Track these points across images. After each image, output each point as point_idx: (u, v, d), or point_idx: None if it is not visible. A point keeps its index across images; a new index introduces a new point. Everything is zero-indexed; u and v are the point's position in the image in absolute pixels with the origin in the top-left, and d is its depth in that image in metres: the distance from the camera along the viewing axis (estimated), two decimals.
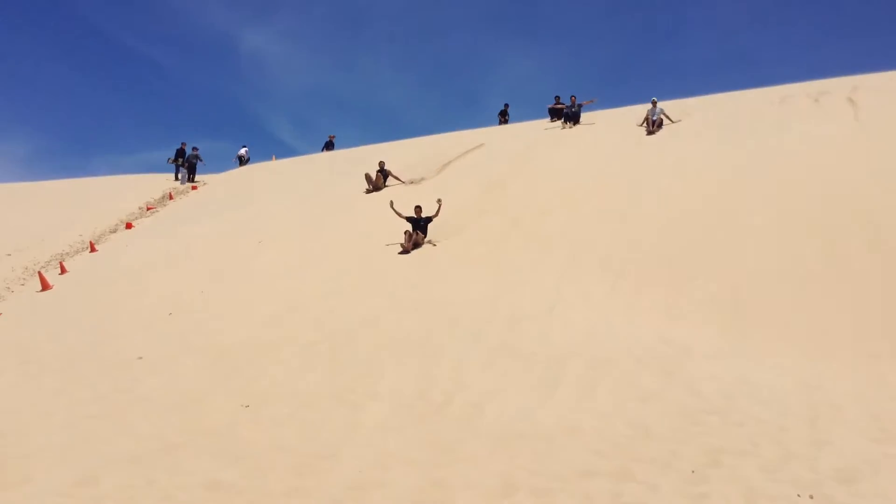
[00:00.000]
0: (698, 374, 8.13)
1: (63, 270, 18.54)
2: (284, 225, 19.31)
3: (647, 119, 20.71)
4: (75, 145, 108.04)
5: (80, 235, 23.17)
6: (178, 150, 30.85)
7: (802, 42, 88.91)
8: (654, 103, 20.88)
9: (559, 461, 6.27)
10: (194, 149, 30.64)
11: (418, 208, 15.84)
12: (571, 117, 23.83)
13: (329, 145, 32.38)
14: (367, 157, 27.38)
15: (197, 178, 30.67)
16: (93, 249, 20.82)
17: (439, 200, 16.02)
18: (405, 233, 15.37)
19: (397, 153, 26.63)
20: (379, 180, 21.34)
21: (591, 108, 25.23)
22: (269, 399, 8.62)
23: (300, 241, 17.25)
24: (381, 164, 21.69)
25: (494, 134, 26.12)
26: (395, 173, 21.59)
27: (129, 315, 13.53)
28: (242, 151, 33.85)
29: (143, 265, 17.52)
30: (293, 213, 20.47)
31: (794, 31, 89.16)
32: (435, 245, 15.32)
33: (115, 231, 23.47)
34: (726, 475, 5.73)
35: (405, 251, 15.12)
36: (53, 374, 10.64)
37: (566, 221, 15.12)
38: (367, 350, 10.11)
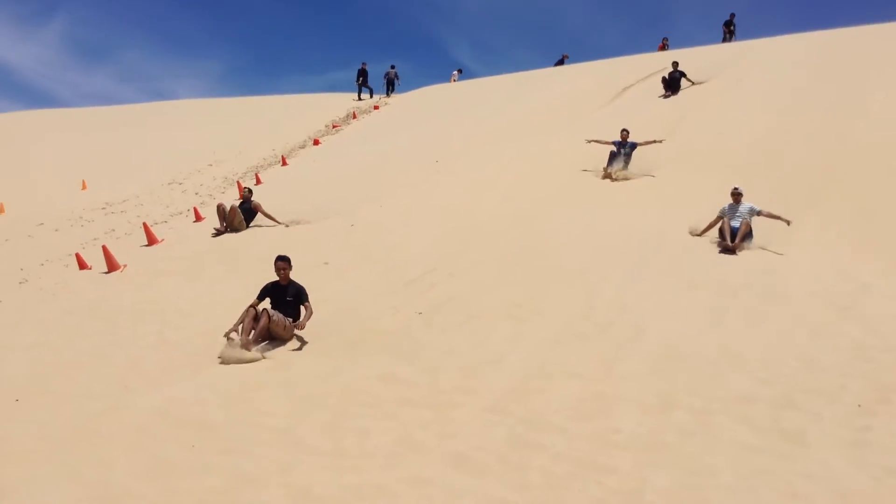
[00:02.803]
0: (876, 312, 7.83)
1: (258, 181, 19.96)
2: (461, 145, 19.74)
3: (721, 227, 11.05)
4: (265, 65, 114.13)
5: (273, 150, 24.79)
6: (359, 71, 32.26)
7: None
8: (738, 197, 11.24)
9: (720, 385, 6.33)
10: (392, 66, 32.80)
11: (282, 265, 8.79)
12: (622, 159, 15.35)
13: (560, 63, 32.65)
14: (544, 78, 27.32)
15: (384, 97, 32.16)
16: (284, 163, 22.25)
17: (303, 322, 8.24)
18: (248, 310, 8.28)
19: (576, 75, 26.37)
20: (234, 217, 14.37)
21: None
22: (440, 308, 9.11)
23: (477, 162, 17.59)
24: (246, 192, 15.11)
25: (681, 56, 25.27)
26: (265, 210, 14.76)
27: (317, 225, 14.48)
28: (455, 74, 35.11)
29: (328, 180, 18.55)
30: (471, 133, 20.80)
31: None
32: (299, 350, 8.05)
33: (303, 147, 24.92)
34: (895, 412, 5.61)
35: (244, 346, 7.80)
36: (248, 274, 11.67)
37: (745, 150, 14.55)
38: (534, 270, 10.37)
